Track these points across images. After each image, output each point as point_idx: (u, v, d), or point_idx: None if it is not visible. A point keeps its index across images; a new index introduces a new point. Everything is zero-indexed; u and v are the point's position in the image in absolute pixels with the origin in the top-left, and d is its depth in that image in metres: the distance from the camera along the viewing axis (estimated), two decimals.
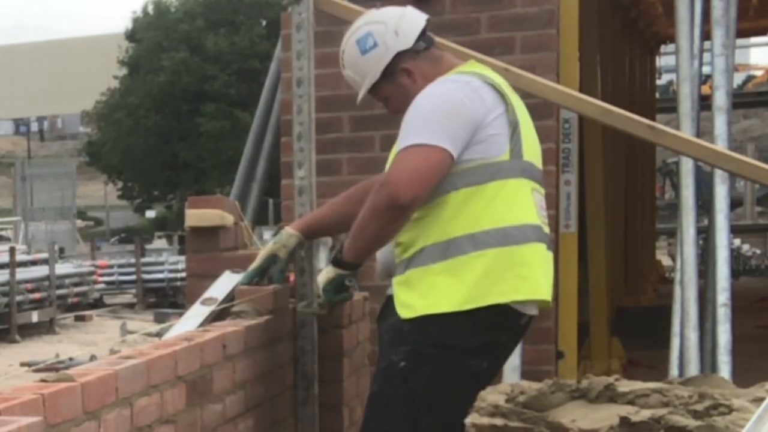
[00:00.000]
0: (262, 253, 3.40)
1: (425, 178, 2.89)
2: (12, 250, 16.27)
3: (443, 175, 2.91)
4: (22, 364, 12.19)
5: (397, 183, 2.88)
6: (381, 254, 3.37)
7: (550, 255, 3.09)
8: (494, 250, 2.93)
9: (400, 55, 3.08)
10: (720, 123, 4.59)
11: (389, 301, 3.13)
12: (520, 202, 3.00)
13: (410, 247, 3.01)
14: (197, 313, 3.47)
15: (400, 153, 2.92)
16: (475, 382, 2.89)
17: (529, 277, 2.97)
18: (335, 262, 3.14)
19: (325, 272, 3.18)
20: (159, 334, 4.32)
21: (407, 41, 3.08)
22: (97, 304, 19.52)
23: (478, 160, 2.95)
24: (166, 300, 19.58)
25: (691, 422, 2.05)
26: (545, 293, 3.03)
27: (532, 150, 3.08)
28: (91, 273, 19.10)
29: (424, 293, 2.95)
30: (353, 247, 3.06)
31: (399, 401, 2.96)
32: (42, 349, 14.34)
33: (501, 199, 2.96)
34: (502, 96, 3.01)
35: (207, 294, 3.59)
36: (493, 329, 2.96)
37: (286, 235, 3.40)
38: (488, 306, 2.91)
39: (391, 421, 2.98)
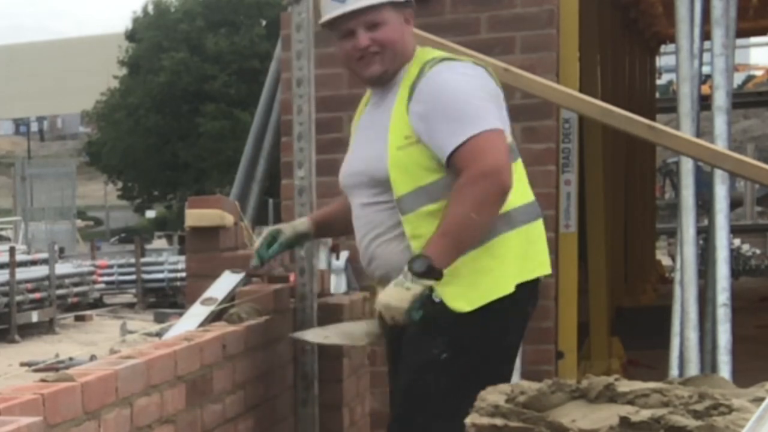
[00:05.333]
0: (266, 231, 3.38)
1: (508, 161, 2.88)
2: (12, 250, 16.27)
3: None
4: (22, 364, 12.18)
5: (500, 169, 2.82)
6: (384, 256, 3.10)
7: None
8: (522, 228, 2.98)
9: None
10: (720, 123, 4.59)
11: None
12: (525, 181, 3.07)
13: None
14: (197, 313, 3.48)
15: (473, 143, 2.82)
16: (512, 356, 3.06)
17: (544, 251, 3.08)
18: (426, 273, 2.81)
19: (404, 291, 2.82)
20: (159, 334, 4.32)
21: None
22: (97, 304, 19.51)
23: None
24: (166, 300, 19.56)
25: (691, 422, 2.05)
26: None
27: None
28: (91, 273, 19.09)
29: (472, 283, 2.90)
30: (454, 249, 2.83)
31: (442, 392, 2.92)
32: (42, 349, 14.33)
33: (518, 178, 2.98)
34: (495, 77, 3.06)
35: (207, 294, 3.59)
36: (526, 303, 3.03)
37: (298, 221, 3.43)
38: (524, 283, 2.97)
39: (436, 413, 2.93)
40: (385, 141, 2.97)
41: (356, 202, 3.13)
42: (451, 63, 2.99)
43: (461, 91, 2.90)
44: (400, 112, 2.96)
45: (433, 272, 2.81)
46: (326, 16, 3.02)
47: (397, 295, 2.82)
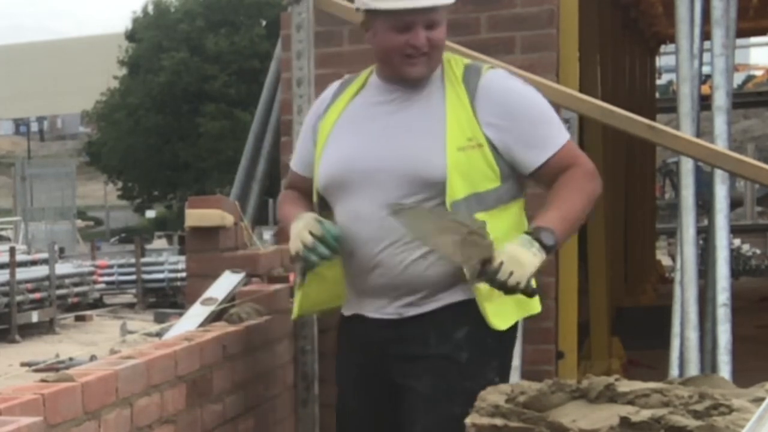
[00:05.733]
0: (307, 223, 2.86)
1: None
2: (12, 250, 16.29)
3: None
4: (22, 364, 12.20)
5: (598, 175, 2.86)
6: (397, 264, 2.83)
7: None
8: None
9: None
10: (720, 123, 4.59)
11: (439, 314, 2.82)
12: None
13: None
14: (197, 313, 3.48)
15: (569, 146, 2.81)
16: None
17: None
18: (551, 249, 2.67)
19: (532, 256, 2.62)
20: (159, 334, 4.32)
21: None
22: (97, 304, 19.53)
23: None
24: (166, 300, 19.59)
25: (691, 422, 2.05)
26: None
27: None
28: (91, 273, 19.11)
29: (515, 299, 2.80)
30: (569, 234, 2.79)
31: None
32: (42, 349, 14.34)
33: None
34: None
35: (207, 294, 3.59)
36: None
37: (311, 214, 2.96)
38: None
39: None
40: (437, 140, 2.76)
41: (363, 203, 2.83)
42: (503, 70, 2.96)
43: (539, 97, 2.87)
44: (461, 113, 2.79)
45: (552, 251, 2.69)
46: (392, 4, 2.76)
47: (526, 257, 2.62)
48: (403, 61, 2.81)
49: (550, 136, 2.81)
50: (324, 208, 2.98)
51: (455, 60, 2.91)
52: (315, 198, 3.00)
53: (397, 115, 2.87)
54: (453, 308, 2.81)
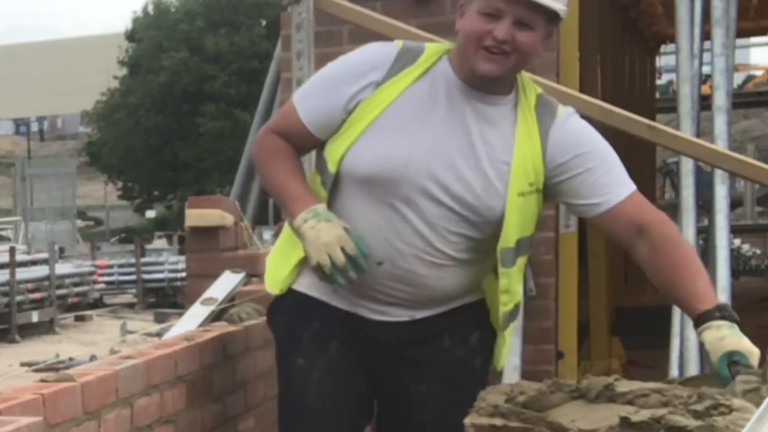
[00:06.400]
0: (339, 232, 2.55)
1: None
2: (12, 250, 16.29)
3: None
4: (22, 364, 12.20)
5: None
6: (460, 278, 2.70)
7: None
8: None
9: None
10: (720, 123, 4.59)
11: (453, 315, 2.75)
12: None
13: (516, 297, 2.74)
14: (197, 313, 3.48)
15: (637, 193, 2.77)
16: None
17: None
18: (733, 319, 2.61)
19: (723, 337, 2.61)
20: (159, 334, 4.32)
21: None
22: (97, 304, 19.54)
23: None
24: (166, 300, 19.61)
25: (691, 422, 2.05)
26: None
27: None
28: (91, 273, 19.13)
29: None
30: None
31: None
32: (42, 349, 14.35)
33: None
34: None
35: (207, 294, 3.60)
36: None
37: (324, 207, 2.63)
38: None
39: None
40: (501, 181, 2.60)
41: (413, 213, 2.59)
42: (569, 108, 2.79)
43: (604, 140, 2.77)
44: (528, 154, 2.62)
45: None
46: None
47: (750, 342, 2.62)
48: (478, 53, 2.52)
49: (621, 181, 2.74)
50: (329, 192, 2.64)
51: (529, 85, 2.70)
52: (333, 169, 2.61)
53: (466, 129, 2.60)
54: (466, 309, 2.74)
